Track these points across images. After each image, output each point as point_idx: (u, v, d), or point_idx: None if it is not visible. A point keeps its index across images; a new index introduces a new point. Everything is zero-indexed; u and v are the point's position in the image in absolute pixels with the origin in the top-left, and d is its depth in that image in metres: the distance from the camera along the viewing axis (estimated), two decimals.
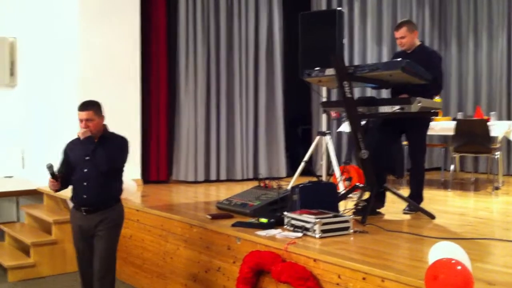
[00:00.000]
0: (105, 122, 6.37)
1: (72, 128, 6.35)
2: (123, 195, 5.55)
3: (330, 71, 4.67)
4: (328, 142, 6.41)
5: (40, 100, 7.09)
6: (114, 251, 3.96)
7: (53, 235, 5.67)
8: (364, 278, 3.11)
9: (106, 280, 3.88)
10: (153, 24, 7.10)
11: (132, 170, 6.57)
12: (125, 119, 6.58)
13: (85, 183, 3.82)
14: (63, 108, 6.62)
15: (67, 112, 6.54)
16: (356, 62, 8.44)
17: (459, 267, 2.55)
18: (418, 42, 5.06)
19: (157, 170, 7.11)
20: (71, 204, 4.03)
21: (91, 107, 3.86)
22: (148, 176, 7.02)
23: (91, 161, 3.81)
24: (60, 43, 6.67)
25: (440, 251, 2.74)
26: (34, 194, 6.66)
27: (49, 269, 5.59)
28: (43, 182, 6.64)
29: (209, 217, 4.55)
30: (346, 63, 8.09)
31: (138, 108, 6.76)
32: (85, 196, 3.84)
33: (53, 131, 6.79)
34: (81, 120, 3.82)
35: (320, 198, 4.38)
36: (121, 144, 3.96)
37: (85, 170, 3.82)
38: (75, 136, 3.90)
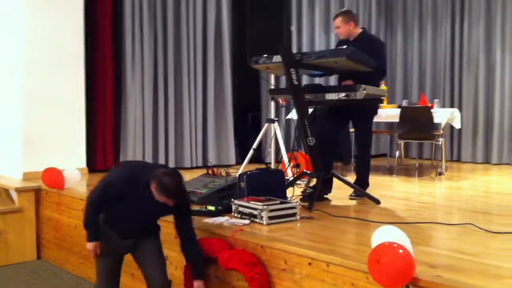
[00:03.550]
0: (50, 110, 6.28)
1: (16, 116, 6.22)
2: (66, 184, 5.49)
3: (277, 58, 4.67)
4: (277, 129, 6.44)
5: None
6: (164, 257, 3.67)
7: None
8: (310, 263, 3.14)
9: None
10: (98, 10, 6.93)
11: (77, 159, 6.47)
12: (69, 106, 6.47)
13: (139, 223, 3.46)
14: (6, 96, 6.44)
15: (9, 100, 6.37)
16: (305, 49, 8.49)
17: (401, 251, 2.60)
18: (358, 30, 5.11)
19: (104, 159, 6.98)
20: None
21: (182, 191, 3.32)
22: (94, 165, 6.88)
23: (154, 213, 3.49)
24: (2, 30, 6.45)
25: (382, 235, 2.79)
26: None
27: None
28: None
29: None
30: (295, 50, 8.17)
31: (83, 95, 6.61)
32: (133, 232, 3.50)
33: None
34: (168, 202, 3.25)
35: (268, 185, 4.40)
36: (188, 203, 3.58)
37: (143, 216, 3.44)
38: None
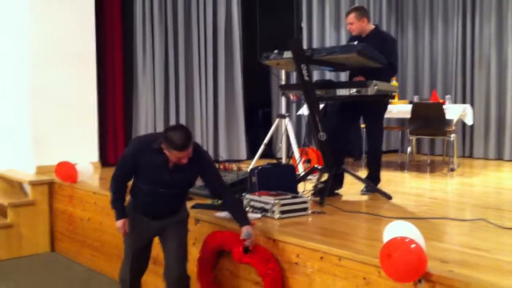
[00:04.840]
0: (62, 106, 6.33)
1: (28, 111, 6.27)
2: (79, 178, 5.54)
3: (288, 54, 4.68)
4: (288, 124, 6.45)
5: None
6: (187, 249, 3.66)
7: (8, 219, 5.55)
8: (321, 257, 3.16)
9: (187, 283, 3.58)
10: (107, 5, 6.97)
11: (89, 153, 6.52)
12: (81, 100, 6.51)
13: (161, 200, 3.43)
14: (18, 91, 6.48)
15: (22, 95, 6.42)
16: (315, 45, 8.47)
17: (413, 246, 2.61)
18: (371, 27, 5.09)
19: (115, 153, 7.02)
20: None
21: (190, 142, 3.23)
22: (107, 159, 6.94)
23: (172, 182, 3.39)
24: (11, 23, 6.49)
25: (394, 230, 2.79)
26: None
27: (5, 252, 5.49)
28: None
29: None
30: (305, 46, 8.16)
31: (94, 90, 6.65)
32: (158, 211, 3.49)
33: (3, 114, 6.65)
34: (179, 158, 3.23)
35: (279, 180, 4.42)
36: (209, 162, 3.53)
37: (163, 189, 3.38)
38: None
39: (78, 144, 6.42)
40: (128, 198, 3.55)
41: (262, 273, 3.37)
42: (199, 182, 4.52)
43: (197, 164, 3.36)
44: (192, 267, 3.85)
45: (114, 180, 3.48)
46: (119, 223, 3.48)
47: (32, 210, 5.68)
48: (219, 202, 4.24)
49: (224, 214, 3.97)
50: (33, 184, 5.76)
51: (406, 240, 2.65)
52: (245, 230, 3.39)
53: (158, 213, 3.49)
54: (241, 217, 3.49)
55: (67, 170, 5.57)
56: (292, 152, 6.33)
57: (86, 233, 5.32)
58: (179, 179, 3.40)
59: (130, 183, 3.52)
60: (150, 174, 3.35)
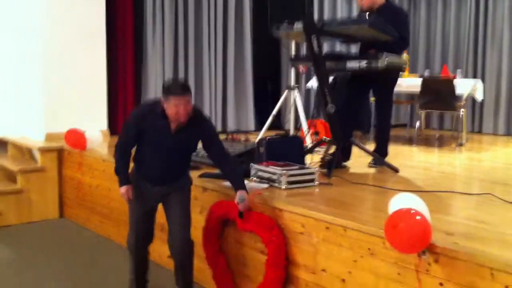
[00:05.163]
0: (72, 74, 6.35)
1: (39, 79, 6.29)
2: (89, 145, 5.57)
3: (299, 26, 4.65)
4: (296, 96, 6.44)
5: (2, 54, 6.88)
6: (190, 215, 3.64)
7: (18, 184, 5.62)
8: (327, 228, 3.18)
9: (191, 248, 3.61)
10: None
11: (99, 121, 6.55)
12: (91, 70, 6.52)
13: (164, 164, 3.45)
14: (26, 61, 6.51)
15: (29, 65, 6.45)
16: (326, 18, 8.42)
17: (418, 217, 2.61)
18: (382, 0, 5.04)
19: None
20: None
21: (188, 90, 3.26)
22: (116, 128, 6.97)
23: (174, 146, 3.41)
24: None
25: (400, 201, 2.80)
26: None
27: (15, 217, 5.56)
28: (6, 130, 6.56)
29: None
30: (316, 18, 8.10)
31: (104, 59, 6.66)
32: (161, 175, 3.49)
33: (15, 82, 6.67)
34: (177, 106, 3.21)
35: (287, 151, 4.42)
36: (210, 128, 3.55)
37: (166, 153, 3.41)
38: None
39: (88, 112, 6.45)
40: (131, 165, 3.57)
41: (266, 240, 3.40)
42: None
43: (198, 128, 3.41)
44: (199, 235, 3.89)
45: (119, 147, 3.51)
46: (123, 189, 3.51)
47: (41, 176, 5.74)
48: None
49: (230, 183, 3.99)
50: (43, 150, 5.80)
51: (412, 212, 2.65)
52: (239, 194, 3.44)
53: (161, 179, 3.51)
54: (236, 182, 3.52)
55: (76, 137, 5.60)
56: (301, 124, 6.33)
57: (94, 200, 5.38)
58: (182, 143, 3.42)
59: (133, 150, 3.54)
60: (152, 138, 3.38)
